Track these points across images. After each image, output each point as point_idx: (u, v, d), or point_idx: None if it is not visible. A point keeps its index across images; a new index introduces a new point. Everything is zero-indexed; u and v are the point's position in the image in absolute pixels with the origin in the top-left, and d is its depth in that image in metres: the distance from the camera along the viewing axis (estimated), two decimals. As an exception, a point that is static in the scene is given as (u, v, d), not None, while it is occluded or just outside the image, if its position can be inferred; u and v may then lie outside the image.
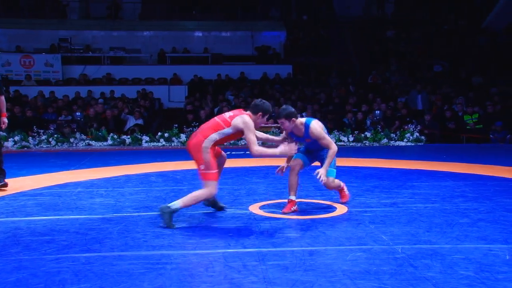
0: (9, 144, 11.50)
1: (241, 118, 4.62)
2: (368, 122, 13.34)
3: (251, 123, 4.63)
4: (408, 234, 4.22)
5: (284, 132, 5.21)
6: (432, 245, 3.89)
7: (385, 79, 17.51)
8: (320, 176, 4.89)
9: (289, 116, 4.90)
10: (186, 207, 4.64)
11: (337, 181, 5.29)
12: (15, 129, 11.91)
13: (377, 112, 13.58)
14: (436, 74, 17.97)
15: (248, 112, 4.77)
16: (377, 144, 11.98)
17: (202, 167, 4.55)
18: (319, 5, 22.58)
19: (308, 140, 5.13)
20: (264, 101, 4.88)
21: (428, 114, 13.31)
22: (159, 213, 4.57)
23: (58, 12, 20.65)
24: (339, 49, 20.08)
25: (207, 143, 4.56)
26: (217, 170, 4.63)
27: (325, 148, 5.10)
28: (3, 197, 5.91)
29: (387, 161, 8.98)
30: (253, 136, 4.59)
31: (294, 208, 5.07)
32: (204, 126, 4.75)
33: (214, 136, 4.60)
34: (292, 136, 5.19)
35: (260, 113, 4.74)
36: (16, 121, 12.84)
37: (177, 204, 4.53)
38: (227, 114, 4.76)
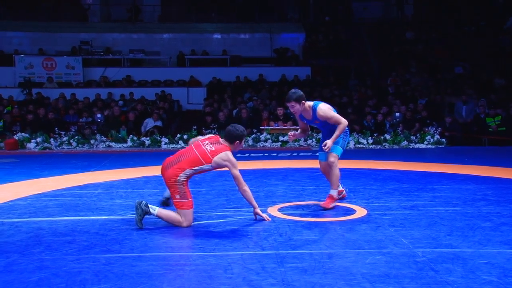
0: (31, 145, 11.68)
1: (225, 155, 4.54)
2: (388, 124, 13.23)
3: (234, 160, 4.57)
4: (428, 237, 4.16)
5: (299, 127, 5.46)
6: (454, 249, 3.83)
7: (405, 81, 17.35)
8: (326, 144, 5.06)
9: (299, 99, 5.11)
10: (159, 218, 4.63)
11: (336, 169, 5.25)
12: (38, 131, 12.09)
13: (397, 114, 13.45)
14: (457, 75, 17.74)
15: (224, 143, 4.67)
16: (397, 147, 11.87)
17: (177, 196, 4.56)
18: (337, 7, 22.49)
19: (317, 122, 5.29)
20: (235, 125, 4.77)
21: (449, 117, 13.14)
22: (136, 207, 4.52)
23: (80, 15, 20.94)
24: (358, 51, 19.97)
25: (182, 177, 4.56)
26: (191, 198, 4.62)
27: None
28: (25, 198, 6.00)
29: (407, 163, 8.89)
30: (238, 172, 4.56)
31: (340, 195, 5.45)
32: (182, 157, 4.60)
33: (190, 171, 4.57)
34: (302, 119, 5.38)
35: (237, 141, 4.71)
36: (39, 123, 13.05)
37: (155, 210, 4.55)
38: (207, 147, 4.59)
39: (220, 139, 4.74)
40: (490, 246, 3.91)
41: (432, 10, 22.18)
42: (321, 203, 5.33)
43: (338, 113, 5.29)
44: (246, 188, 4.63)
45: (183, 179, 4.56)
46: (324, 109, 5.17)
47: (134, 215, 4.60)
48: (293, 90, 5.22)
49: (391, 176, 7.44)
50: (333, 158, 5.23)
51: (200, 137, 4.88)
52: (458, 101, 14.51)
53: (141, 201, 4.54)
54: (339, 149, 5.27)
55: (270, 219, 4.80)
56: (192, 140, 4.91)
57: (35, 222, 4.82)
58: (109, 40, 20.30)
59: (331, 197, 5.30)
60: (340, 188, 5.55)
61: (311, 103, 5.23)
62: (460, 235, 4.23)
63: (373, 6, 22.48)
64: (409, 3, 22.79)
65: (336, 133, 5.10)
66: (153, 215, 4.57)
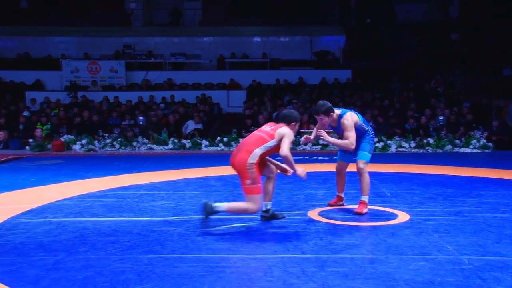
0: (76, 147, 12.01)
1: (286, 128, 4.75)
2: (431, 128, 12.93)
3: (292, 134, 4.76)
4: (475, 244, 4.04)
5: (316, 127, 5.47)
6: (503, 257, 3.70)
7: (449, 83, 16.92)
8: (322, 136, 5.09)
9: (327, 112, 5.12)
10: (229, 213, 4.66)
11: (366, 175, 5.27)
12: (83, 133, 12.43)
13: (441, 117, 13.13)
14: (506, 78, 17.16)
15: (282, 124, 4.83)
16: (441, 151, 11.58)
17: (248, 182, 4.56)
18: (379, 9, 22.17)
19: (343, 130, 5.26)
20: (289, 110, 5.12)
21: (496, 120, 12.73)
22: (202, 207, 4.56)
23: (123, 19, 21.42)
24: (400, 53, 19.62)
25: (252, 159, 4.58)
26: (261, 184, 4.65)
27: (362, 140, 5.25)
28: (71, 198, 6.17)
29: (451, 168, 8.64)
30: (289, 143, 4.67)
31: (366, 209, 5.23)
32: (247, 141, 4.79)
33: (258, 151, 4.62)
34: (330, 128, 5.42)
35: (293, 123, 4.86)
36: (84, 125, 13.41)
37: (221, 207, 4.56)
38: (267, 128, 4.83)
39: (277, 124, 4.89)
40: (541, 255, 3.76)
41: (478, 11, 21.55)
42: (355, 209, 5.26)
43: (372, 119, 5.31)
44: (287, 151, 4.62)
45: (252, 162, 4.57)
46: (347, 122, 5.14)
47: (198, 217, 4.69)
48: (321, 103, 5.22)
49: (435, 181, 7.25)
50: (362, 164, 5.23)
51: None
52: (511, 104, 13.99)
53: (207, 202, 4.57)
54: (367, 155, 5.28)
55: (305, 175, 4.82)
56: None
57: (80, 222, 4.95)
58: (151, 44, 20.68)
59: (363, 202, 5.24)
60: (342, 195, 5.56)
61: (339, 112, 5.25)
62: (509, 242, 4.08)
63: (417, 8, 22.04)
64: (454, 4, 22.22)
65: (337, 141, 5.21)
66: (222, 212, 4.58)
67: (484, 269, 3.44)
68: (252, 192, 4.56)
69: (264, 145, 4.65)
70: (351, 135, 5.10)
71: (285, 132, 4.70)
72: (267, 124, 5.01)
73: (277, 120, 4.95)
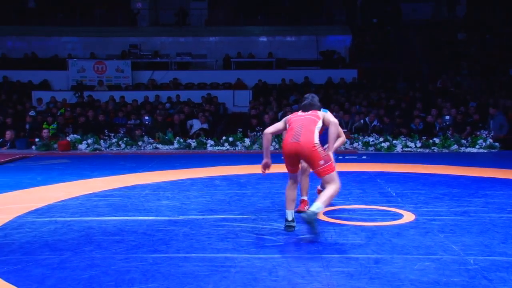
0: (82, 146, 12.06)
1: (324, 113, 4.72)
2: (437, 127, 12.88)
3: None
4: (481, 244, 4.02)
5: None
6: (509, 258, 3.68)
7: (455, 83, 16.84)
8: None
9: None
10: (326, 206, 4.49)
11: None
12: (88, 133, 12.47)
13: (447, 117, 13.07)
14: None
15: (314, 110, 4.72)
16: (447, 151, 11.53)
17: (321, 162, 4.37)
18: (385, 9, 22.10)
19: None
20: (313, 95, 4.89)
21: (502, 120, 12.65)
22: (307, 222, 4.18)
23: (129, 19, 21.49)
24: (406, 53, 19.55)
25: (316, 138, 4.43)
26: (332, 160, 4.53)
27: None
28: (77, 197, 6.20)
29: (457, 168, 8.60)
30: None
31: (306, 207, 5.01)
32: (303, 123, 4.50)
33: (316, 131, 4.48)
34: None
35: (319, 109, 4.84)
36: (89, 125, 13.45)
37: (320, 207, 4.26)
38: (303, 113, 4.64)
39: None
40: (548, 255, 3.73)
41: (485, 10, 21.43)
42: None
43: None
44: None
45: (318, 141, 4.42)
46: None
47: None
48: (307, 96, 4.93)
49: (440, 181, 7.22)
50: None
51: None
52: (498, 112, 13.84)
53: (307, 212, 4.23)
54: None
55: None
56: (284, 120, 4.74)
57: (86, 221, 4.97)
58: (157, 44, 20.73)
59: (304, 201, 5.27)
60: (306, 198, 5.35)
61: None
62: (515, 243, 4.06)
63: (423, 7, 21.95)
64: (461, 3, 22.11)
65: (336, 145, 5.09)
66: (322, 211, 4.42)
67: (490, 270, 3.42)
68: (329, 170, 4.39)
69: (317, 125, 4.50)
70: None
71: (325, 113, 4.67)
72: (297, 114, 4.71)
73: (306, 109, 4.70)
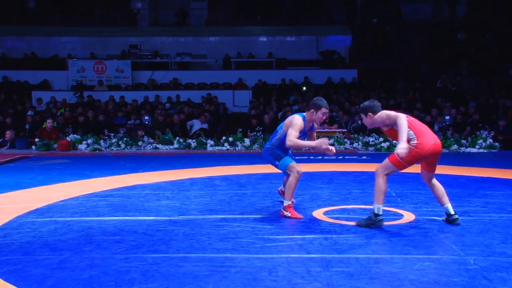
0: (82, 146, 12.05)
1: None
2: (436, 127, 12.88)
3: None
4: (481, 245, 4.02)
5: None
6: (509, 258, 3.68)
7: (455, 83, 16.84)
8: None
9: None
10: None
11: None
12: (88, 133, 12.47)
13: (447, 117, 13.07)
14: (512, 78, 17.08)
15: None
16: (446, 151, 11.52)
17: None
18: (385, 9, 22.11)
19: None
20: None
21: (502, 120, 12.66)
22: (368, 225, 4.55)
23: (129, 19, 21.50)
24: (406, 53, 19.56)
25: None
26: None
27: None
28: (77, 198, 6.20)
29: (457, 168, 8.60)
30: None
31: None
32: (422, 125, 4.73)
33: None
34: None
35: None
36: (89, 125, 13.46)
37: (377, 208, 4.55)
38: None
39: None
40: (548, 255, 3.73)
41: (485, 10, 21.44)
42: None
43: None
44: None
45: None
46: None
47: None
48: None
49: (440, 181, 7.14)
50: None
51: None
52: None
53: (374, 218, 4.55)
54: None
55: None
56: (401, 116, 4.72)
57: (86, 221, 4.96)
58: (157, 44, 20.74)
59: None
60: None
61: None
62: (514, 243, 4.05)
63: (423, 7, 21.96)
64: (461, 3, 22.12)
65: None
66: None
67: (490, 270, 3.42)
68: None
69: None
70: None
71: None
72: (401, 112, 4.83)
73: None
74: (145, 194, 6.38)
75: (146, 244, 4.15)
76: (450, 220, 4.72)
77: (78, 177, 7.79)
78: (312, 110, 5.02)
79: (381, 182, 4.55)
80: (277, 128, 5.21)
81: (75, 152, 11.84)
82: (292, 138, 4.88)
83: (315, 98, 5.15)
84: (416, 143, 4.52)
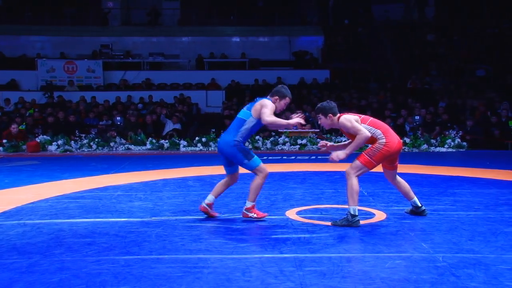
0: (52, 148, 11.84)
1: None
2: (407, 127, 13.10)
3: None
4: (449, 242, 4.11)
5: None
6: (475, 254, 3.77)
7: (425, 83, 17.16)
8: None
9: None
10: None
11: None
12: (59, 133, 12.25)
13: (417, 117, 13.31)
14: (479, 78, 17.49)
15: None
16: (417, 150, 11.74)
17: None
18: (357, 10, 22.38)
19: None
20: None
21: (470, 120, 12.96)
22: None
23: (100, 19, 21.21)
24: (378, 54, 19.83)
25: None
26: None
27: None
28: (46, 200, 6.08)
29: (427, 167, 8.77)
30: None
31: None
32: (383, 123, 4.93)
33: None
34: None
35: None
36: (60, 126, 13.22)
37: (353, 209, 4.63)
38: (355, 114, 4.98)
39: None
40: (513, 251, 3.84)
41: (453, 12, 21.91)
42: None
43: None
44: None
45: None
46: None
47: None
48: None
49: (411, 180, 7.29)
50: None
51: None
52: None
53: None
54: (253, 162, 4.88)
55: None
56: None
57: (56, 224, 4.88)
58: (129, 44, 20.52)
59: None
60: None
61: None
62: (482, 240, 4.16)
63: (394, 8, 22.30)
64: (430, 5, 22.55)
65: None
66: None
67: (458, 266, 3.50)
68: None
69: None
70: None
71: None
72: (356, 114, 4.93)
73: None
74: (117, 196, 6.31)
75: (118, 246, 4.11)
76: (418, 212, 4.98)
77: (48, 179, 7.65)
78: (277, 97, 4.91)
79: (354, 183, 4.61)
80: (241, 117, 4.88)
81: (45, 153, 11.62)
82: (271, 116, 4.70)
83: (280, 86, 5.03)
84: (385, 142, 4.66)
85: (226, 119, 13.55)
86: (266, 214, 4.98)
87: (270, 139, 12.04)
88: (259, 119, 4.81)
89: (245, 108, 4.99)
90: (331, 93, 16.31)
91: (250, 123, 4.84)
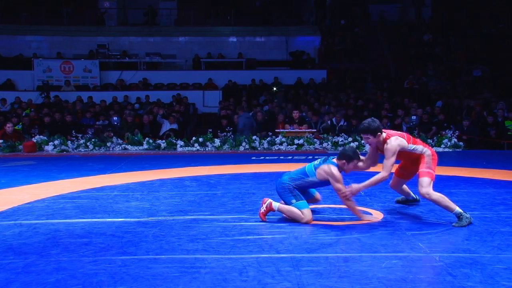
0: (49, 148, 11.80)
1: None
2: (404, 128, 13.12)
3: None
4: (446, 242, 4.12)
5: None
6: (472, 254, 3.78)
7: (422, 83, 17.21)
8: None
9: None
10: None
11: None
12: (55, 134, 12.22)
13: (413, 117, 13.34)
14: (476, 78, 17.54)
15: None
16: (413, 150, 11.75)
17: None
18: (354, 10, 22.42)
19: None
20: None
21: (466, 120, 12.99)
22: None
23: (97, 19, 21.18)
24: (374, 54, 19.88)
25: None
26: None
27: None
28: (43, 200, 6.07)
29: (423, 167, 8.77)
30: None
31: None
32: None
33: None
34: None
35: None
36: (56, 126, 13.19)
37: (457, 211, 4.67)
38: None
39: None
40: (510, 251, 3.85)
41: (450, 12, 21.98)
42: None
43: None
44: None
45: None
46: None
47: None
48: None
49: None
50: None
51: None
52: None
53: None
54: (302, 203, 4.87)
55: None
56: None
57: (52, 224, 4.87)
58: (125, 44, 20.50)
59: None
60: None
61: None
62: (478, 240, 4.17)
63: (390, 9, 22.35)
64: (427, 5, 22.61)
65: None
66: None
67: (455, 266, 3.51)
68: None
69: None
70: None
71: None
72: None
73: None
74: (114, 196, 6.30)
75: (115, 246, 4.10)
76: (411, 200, 5.42)
77: (45, 179, 7.62)
78: (344, 161, 4.88)
79: (437, 196, 4.72)
80: (306, 171, 4.95)
81: (41, 153, 11.58)
82: (345, 192, 4.77)
83: (348, 148, 5.03)
84: (430, 152, 4.97)
85: (223, 119, 13.56)
86: (265, 219, 4.93)
87: (267, 139, 12.04)
88: (320, 181, 4.91)
89: (314, 164, 5.00)
90: (328, 93, 16.34)
91: (310, 181, 4.94)
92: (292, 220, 4.82)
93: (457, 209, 4.69)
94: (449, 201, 4.71)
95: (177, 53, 20.51)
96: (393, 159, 4.76)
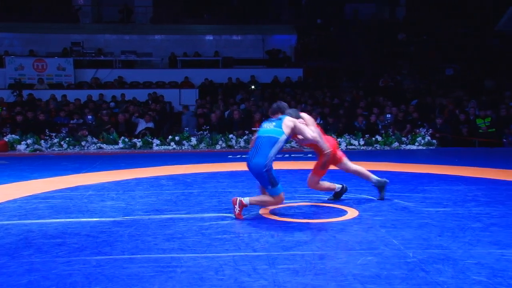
0: (21, 147, 11.60)
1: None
2: (380, 126, 13.28)
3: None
4: (419, 238, 4.18)
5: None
6: (444, 250, 3.85)
7: (396, 82, 17.43)
8: None
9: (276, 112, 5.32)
10: None
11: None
12: (28, 133, 12.00)
13: (388, 115, 13.51)
14: (448, 77, 17.85)
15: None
16: (388, 148, 11.92)
17: None
18: (329, 9, 22.56)
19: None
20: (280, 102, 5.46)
21: (439, 118, 13.21)
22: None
23: (71, 16, 20.85)
24: (350, 52, 20.05)
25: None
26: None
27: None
28: (15, 200, 5.96)
29: (398, 164, 8.92)
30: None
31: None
32: None
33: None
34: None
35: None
36: (29, 124, 12.95)
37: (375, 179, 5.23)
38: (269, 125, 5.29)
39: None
40: (480, 246, 3.94)
41: (423, 12, 22.30)
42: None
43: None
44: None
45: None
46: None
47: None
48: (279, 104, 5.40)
49: (382, 177, 7.44)
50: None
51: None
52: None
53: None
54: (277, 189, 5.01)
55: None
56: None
57: (25, 225, 4.78)
58: (100, 41, 20.23)
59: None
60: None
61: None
62: (450, 235, 4.25)
63: (365, 8, 22.57)
64: (401, 5, 22.90)
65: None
66: None
67: (427, 262, 3.57)
68: None
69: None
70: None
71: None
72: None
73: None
74: (88, 195, 6.22)
75: (90, 246, 4.05)
76: (339, 192, 5.80)
77: (17, 179, 7.49)
78: (289, 112, 5.31)
79: (355, 168, 5.67)
80: (273, 135, 5.01)
81: (14, 153, 11.37)
82: (314, 133, 5.15)
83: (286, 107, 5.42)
84: (330, 153, 5.51)
85: (199, 118, 13.51)
86: (241, 217, 4.94)
87: (244, 138, 12.04)
88: (289, 136, 5.06)
89: (272, 126, 5.09)
90: (304, 91, 16.42)
91: (282, 141, 5.04)
92: (263, 203, 5.10)
93: (372, 176, 5.49)
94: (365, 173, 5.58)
95: (153, 51, 20.34)
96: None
